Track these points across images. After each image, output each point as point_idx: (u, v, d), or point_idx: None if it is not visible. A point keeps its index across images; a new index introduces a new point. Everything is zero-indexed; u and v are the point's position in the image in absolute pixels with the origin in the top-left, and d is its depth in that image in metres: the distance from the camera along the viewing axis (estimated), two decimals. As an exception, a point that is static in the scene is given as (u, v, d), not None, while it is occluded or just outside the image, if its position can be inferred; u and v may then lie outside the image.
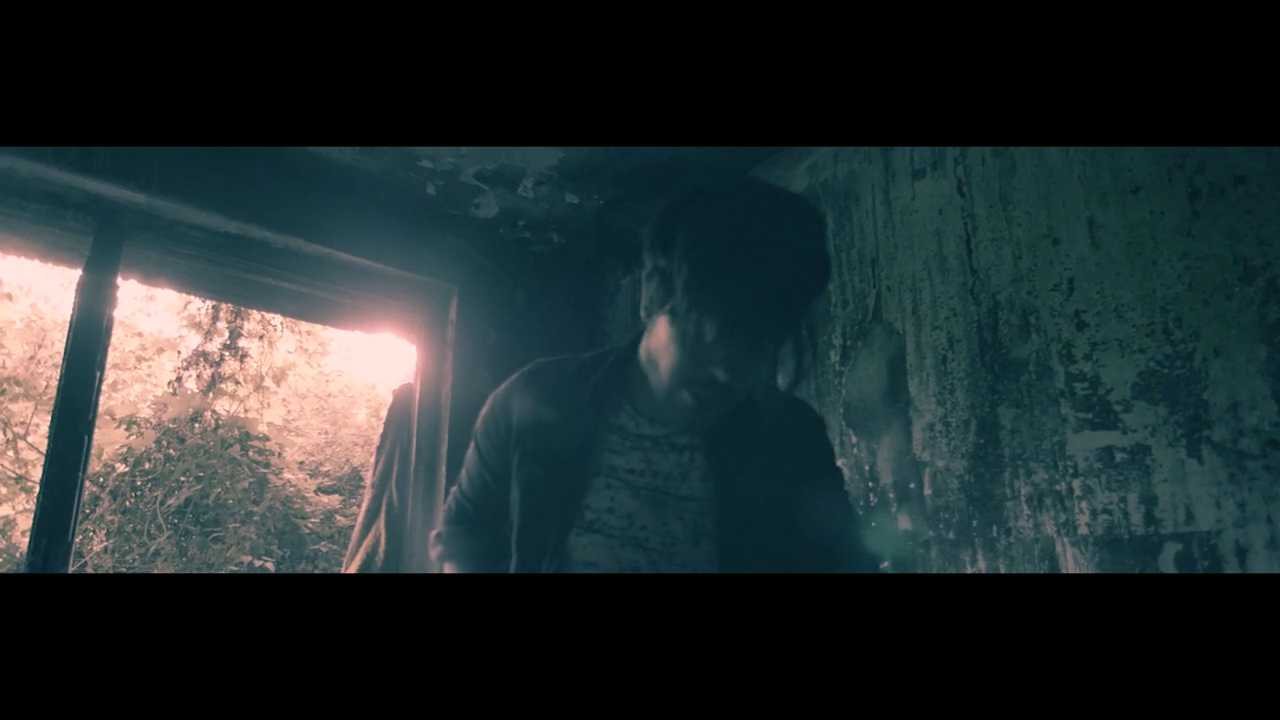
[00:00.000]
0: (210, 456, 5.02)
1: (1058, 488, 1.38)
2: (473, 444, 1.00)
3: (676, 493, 0.85)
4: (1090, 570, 1.31)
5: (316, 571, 5.67)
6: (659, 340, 0.79)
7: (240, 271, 2.21)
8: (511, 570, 0.89)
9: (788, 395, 0.96)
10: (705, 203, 0.75)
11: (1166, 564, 1.21)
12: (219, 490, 4.99)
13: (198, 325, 5.69)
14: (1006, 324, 1.54)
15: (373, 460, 2.54)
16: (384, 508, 2.32)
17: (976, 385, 1.57)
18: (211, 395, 5.51)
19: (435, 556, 1.03)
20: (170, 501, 4.93)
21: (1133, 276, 1.35)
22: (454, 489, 1.06)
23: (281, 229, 2.15)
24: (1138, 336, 1.32)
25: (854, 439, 1.78)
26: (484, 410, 0.98)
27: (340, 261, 2.33)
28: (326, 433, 7.62)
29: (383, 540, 2.22)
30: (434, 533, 1.05)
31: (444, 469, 2.33)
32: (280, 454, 5.83)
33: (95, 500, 5.03)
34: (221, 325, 5.70)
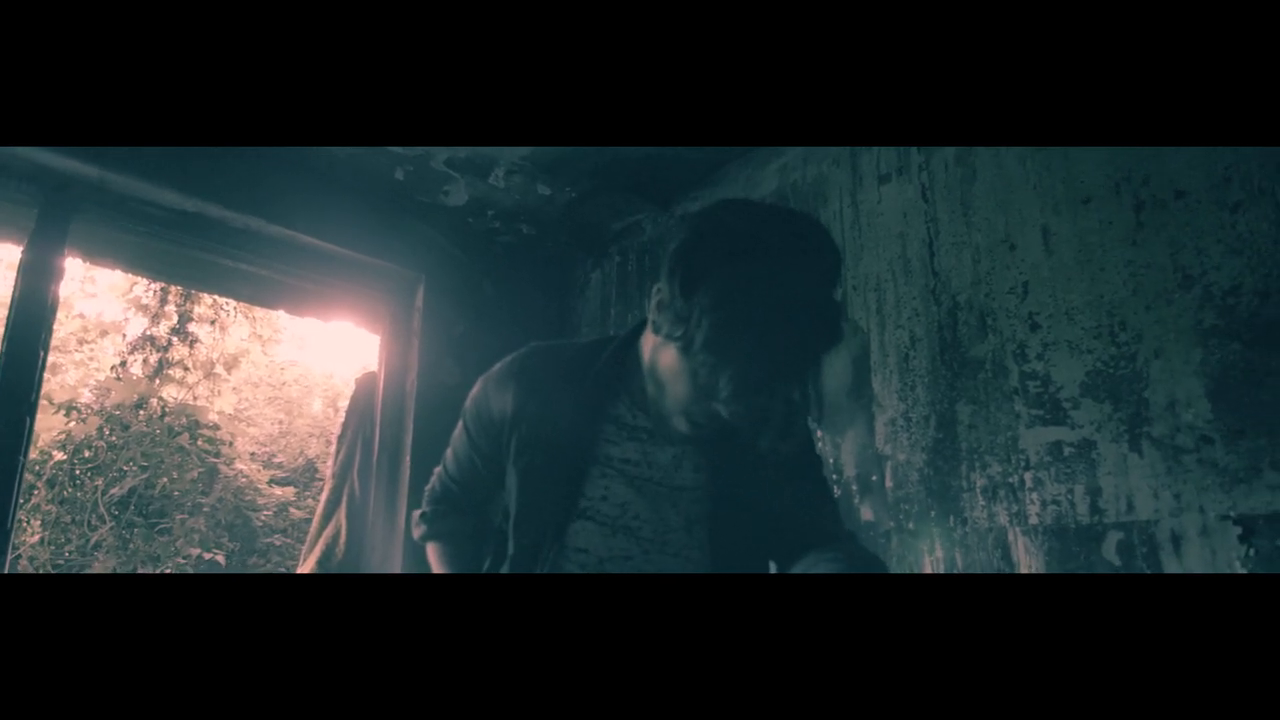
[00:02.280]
0: (156, 445, 4.79)
1: (1010, 480, 1.45)
2: (460, 425, 0.99)
3: (670, 483, 0.87)
4: (1040, 557, 1.38)
5: (268, 564, 5.49)
6: (666, 364, 0.80)
7: (196, 251, 2.13)
8: (509, 555, 0.89)
9: None
10: (727, 247, 0.73)
11: (1109, 551, 1.28)
12: (165, 480, 4.77)
13: (144, 308, 5.42)
14: (965, 324, 1.60)
15: (333, 450, 2.48)
16: (345, 498, 2.27)
17: (936, 382, 1.63)
18: (158, 381, 5.26)
19: (418, 536, 1.02)
20: (113, 491, 4.69)
21: (1082, 282, 1.42)
22: (437, 469, 1.05)
23: (241, 208, 2.08)
24: (1086, 338, 1.40)
25: (819, 433, 1.83)
26: (475, 391, 0.96)
27: (303, 245, 2.27)
28: (280, 423, 7.37)
29: (344, 532, 2.18)
30: (417, 513, 1.04)
31: (408, 459, 2.30)
32: (231, 444, 5.60)
33: (30, 489, 4.75)
34: (170, 309, 5.45)
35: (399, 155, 2.24)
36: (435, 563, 0.98)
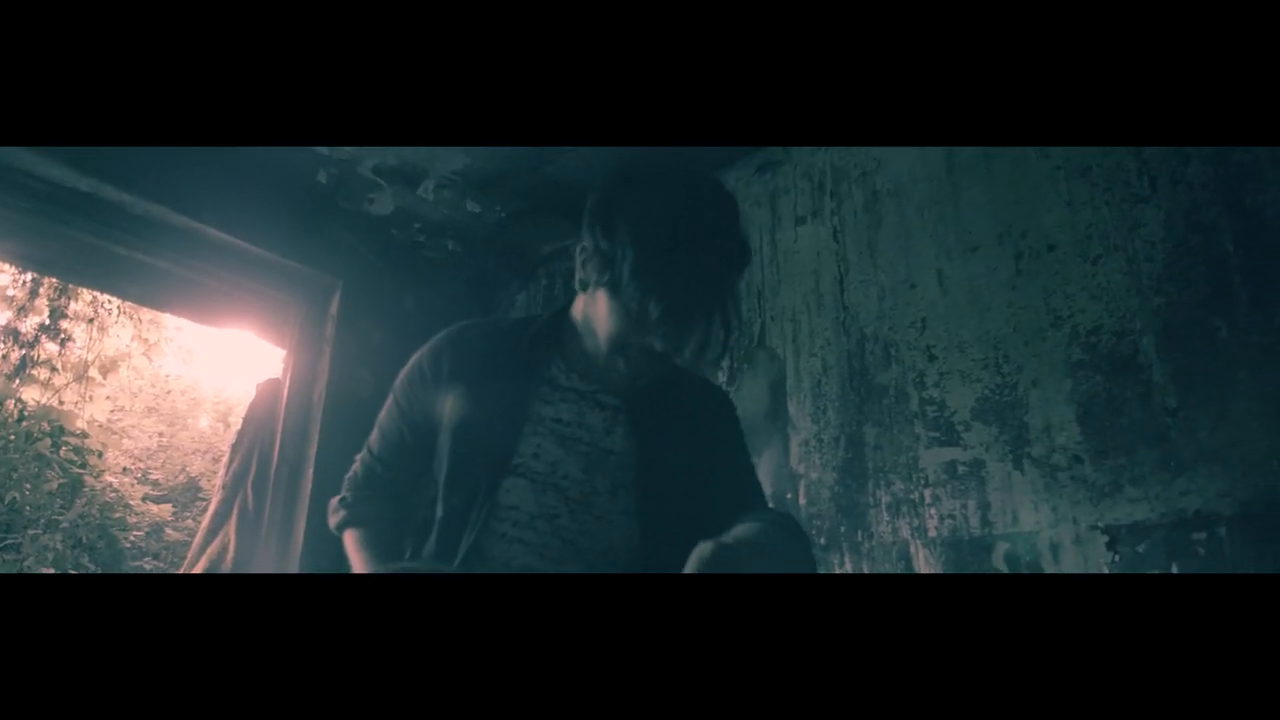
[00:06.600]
0: (10, 450, 4.19)
1: (912, 496, 1.56)
2: (390, 402, 0.99)
3: (600, 445, 0.89)
4: (939, 567, 1.48)
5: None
6: (599, 311, 0.86)
7: (86, 235, 1.97)
8: (437, 519, 0.89)
9: (705, 380, 1.04)
10: (641, 191, 0.83)
11: (998, 560, 1.40)
12: (16, 494, 4.17)
13: (9, 300, 4.81)
14: (872, 354, 1.73)
15: (225, 460, 2.31)
16: (236, 511, 2.11)
17: (846, 406, 1.73)
18: (18, 381, 4.65)
19: (335, 523, 0.98)
20: (-52, 502, 4.04)
21: (972, 319, 1.57)
22: (358, 456, 1.02)
23: (144, 193, 1.94)
24: (975, 369, 1.54)
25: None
26: (406, 368, 0.98)
27: (210, 239, 2.14)
28: (160, 435, 6.68)
29: (232, 545, 2.01)
30: (335, 499, 0.99)
31: (311, 471, 2.17)
32: (101, 455, 5.01)
33: None
34: (41, 302, 4.87)
35: (324, 156, 2.18)
36: (353, 549, 0.94)
